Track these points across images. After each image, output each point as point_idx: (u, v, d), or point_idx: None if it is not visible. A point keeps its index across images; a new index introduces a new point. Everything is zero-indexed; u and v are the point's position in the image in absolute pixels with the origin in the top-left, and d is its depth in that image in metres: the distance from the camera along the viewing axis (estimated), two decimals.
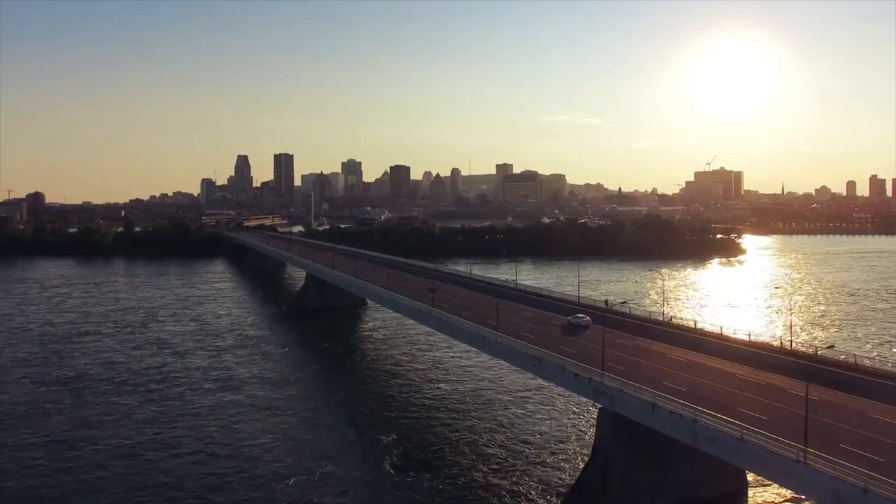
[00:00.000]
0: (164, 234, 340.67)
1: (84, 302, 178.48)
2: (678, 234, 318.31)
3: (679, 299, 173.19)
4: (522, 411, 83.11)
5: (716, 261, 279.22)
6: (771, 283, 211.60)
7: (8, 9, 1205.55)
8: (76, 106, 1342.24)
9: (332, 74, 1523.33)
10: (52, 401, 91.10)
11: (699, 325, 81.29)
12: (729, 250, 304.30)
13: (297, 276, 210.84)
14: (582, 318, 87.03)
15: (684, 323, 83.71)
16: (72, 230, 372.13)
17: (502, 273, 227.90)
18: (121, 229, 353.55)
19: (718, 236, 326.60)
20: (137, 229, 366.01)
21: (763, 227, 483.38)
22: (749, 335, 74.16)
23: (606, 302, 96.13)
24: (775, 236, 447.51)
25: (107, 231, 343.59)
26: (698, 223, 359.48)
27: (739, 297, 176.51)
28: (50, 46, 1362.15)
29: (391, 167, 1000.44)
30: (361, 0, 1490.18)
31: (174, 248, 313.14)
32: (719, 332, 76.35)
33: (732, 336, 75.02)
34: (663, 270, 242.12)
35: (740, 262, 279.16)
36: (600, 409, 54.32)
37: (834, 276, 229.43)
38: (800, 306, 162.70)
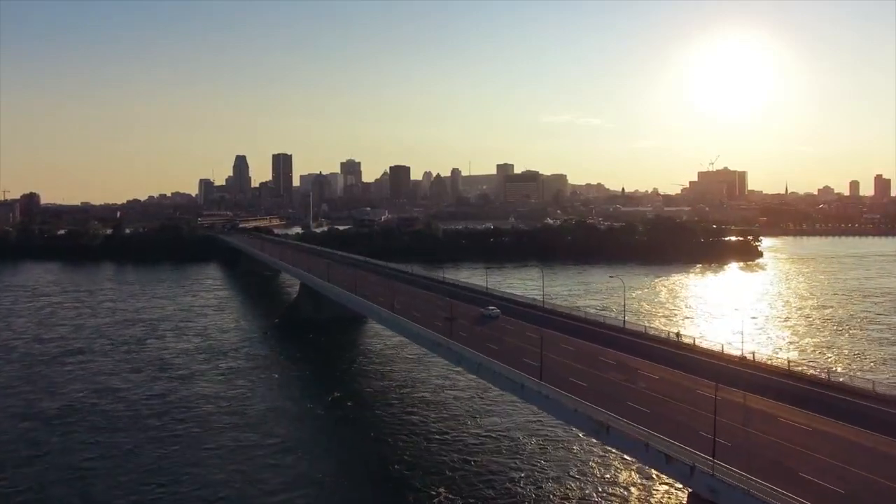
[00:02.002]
0: (156, 236, 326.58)
1: (78, 313, 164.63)
2: (691, 236, 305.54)
3: (719, 313, 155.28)
4: (597, 459, 68.85)
5: (734, 265, 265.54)
6: (810, 292, 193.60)
7: (8, 9, 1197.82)
8: (76, 106, 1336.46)
9: (331, 74, 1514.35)
10: (36, 440, 77.57)
11: (792, 365, 63.29)
12: (745, 253, 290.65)
13: (293, 281, 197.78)
14: (492, 309, 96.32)
15: (769, 360, 66.37)
16: (60, 232, 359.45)
17: (516, 280, 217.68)
18: (110, 231, 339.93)
19: (733, 238, 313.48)
20: (128, 231, 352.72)
21: (773, 229, 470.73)
22: (873, 384, 54.96)
23: (677, 335, 78.82)
24: (785, 238, 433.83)
25: (95, 233, 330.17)
26: (713, 225, 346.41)
27: (789, 310, 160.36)
28: (50, 46, 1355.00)
29: (391, 167, 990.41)
30: (361, 0, 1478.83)
31: (166, 251, 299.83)
32: (826, 377, 57.07)
33: (855, 385, 55.70)
34: (687, 275, 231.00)
35: (761, 267, 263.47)
36: (691, 492, 40.60)
37: (874, 282, 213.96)
38: (863, 318, 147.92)
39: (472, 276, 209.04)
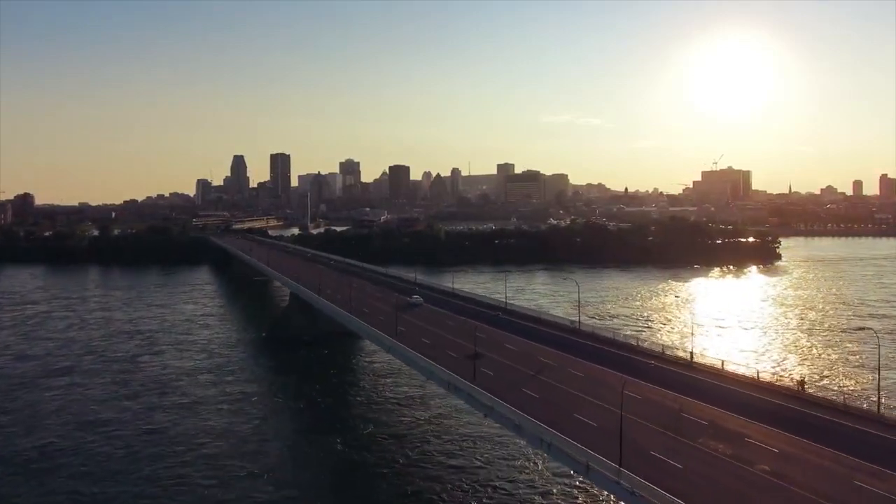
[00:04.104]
0: (145, 238, 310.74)
1: (68, 324, 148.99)
2: (705, 237, 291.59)
3: (778, 325, 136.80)
4: None
5: (753, 268, 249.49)
6: (862, 299, 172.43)
7: (8, 9, 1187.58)
8: (75, 106, 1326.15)
9: (331, 74, 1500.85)
10: (6, 492, 63.22)
11: None
12: (762, 255, 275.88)
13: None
14: (417, 298, 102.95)
15: None
16: (47, 234, 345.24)
17: (538, 285, 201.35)
18: (96, 233, 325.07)
19: (750, 239, 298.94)
20: (117, 232, 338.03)
21: (784, 229, 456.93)
22: None
23: (801, 384, 58.83)
24: (796, 238, 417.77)
25: (81, 235, 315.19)
26: (722, 225, 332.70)
27: (859, 321, 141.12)
28: (50, 46, 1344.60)
29: (390, 167, 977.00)
30: (361, 0, 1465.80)
31: (156, 253, 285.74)
32: None
33: None
34: (710, 279, 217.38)
35: (785, 271, 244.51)
36: None
37: None
38: None
39: (485, 285, 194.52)
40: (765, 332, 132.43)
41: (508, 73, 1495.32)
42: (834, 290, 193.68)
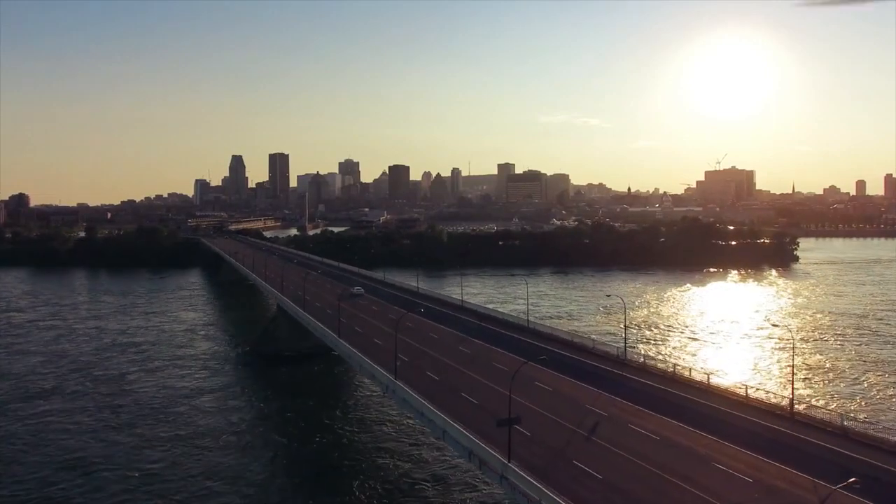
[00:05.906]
0: (133, 241, 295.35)
1: (55, 335, 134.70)
2: (720, 239, 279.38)
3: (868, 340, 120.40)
4: None
5: (773, 272, 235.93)
6: None
7: (8, 9, 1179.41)
8: (74, 106, 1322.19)
9: (331, 74, 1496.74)
10: None
11: None
12: (779, 258, 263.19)
13: None
14: (358, 289, 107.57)
15: None
16: (34, 235, 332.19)
17: (556, 289, 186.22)
18: (82, 234, 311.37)
19: (765, 240, 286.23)
20: (107, 232, 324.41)
21: (794, 230, 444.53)
22: None
23: None
24: (805, 239, 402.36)
25: (67, 237, 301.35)
26: (745, 226, 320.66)
27: None
28: (49, 46, 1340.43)
29: (390, 167, 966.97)
30: (361, 0, 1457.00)
31: (146, 256, 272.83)
32: None
33: None
34: (730, 283, 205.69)
35: (809, 275, 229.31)
36: None
37: None
38: None
39: (504, 290, 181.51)
40: (831, 345, 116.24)
41: (508, 73, 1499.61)
42: (873, 294, 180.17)
